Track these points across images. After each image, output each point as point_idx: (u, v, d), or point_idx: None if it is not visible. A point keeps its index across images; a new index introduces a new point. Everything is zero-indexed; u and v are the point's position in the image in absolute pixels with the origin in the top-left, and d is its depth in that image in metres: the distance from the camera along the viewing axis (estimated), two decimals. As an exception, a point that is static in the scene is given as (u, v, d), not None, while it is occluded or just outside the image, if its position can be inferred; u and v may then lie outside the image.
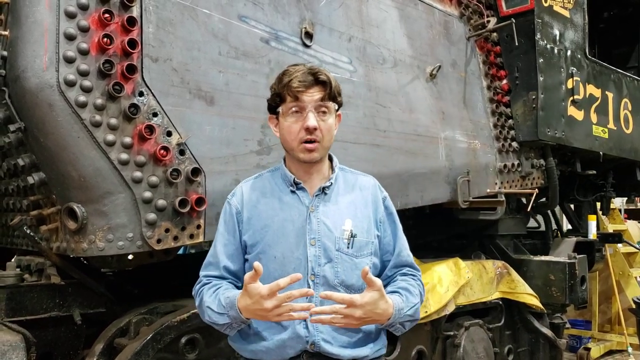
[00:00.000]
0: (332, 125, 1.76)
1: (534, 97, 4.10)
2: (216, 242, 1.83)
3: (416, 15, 3.58)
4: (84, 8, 2.11)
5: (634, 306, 5.37)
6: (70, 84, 2.06)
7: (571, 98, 4.41)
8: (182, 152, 2.34)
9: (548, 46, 4.21)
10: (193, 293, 1.83)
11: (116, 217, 2.19)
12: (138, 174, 2.21)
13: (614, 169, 5.56)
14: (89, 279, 2.57)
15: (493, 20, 4.00)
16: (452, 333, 3.66)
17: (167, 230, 2.30)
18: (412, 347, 3.46)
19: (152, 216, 2.24)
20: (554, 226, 5.51)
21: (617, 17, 6.32)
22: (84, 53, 2.10)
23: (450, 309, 3.53)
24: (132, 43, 2.20)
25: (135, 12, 2.24)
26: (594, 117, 4.71)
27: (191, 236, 2.38)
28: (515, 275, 4.07)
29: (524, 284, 4.06)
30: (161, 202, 2.27)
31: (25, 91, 2.05)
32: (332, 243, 1.73)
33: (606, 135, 4.87)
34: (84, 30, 2.11)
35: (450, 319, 3.69)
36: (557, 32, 4.32)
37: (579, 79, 4.50)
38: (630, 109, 5.31)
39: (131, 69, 2.19)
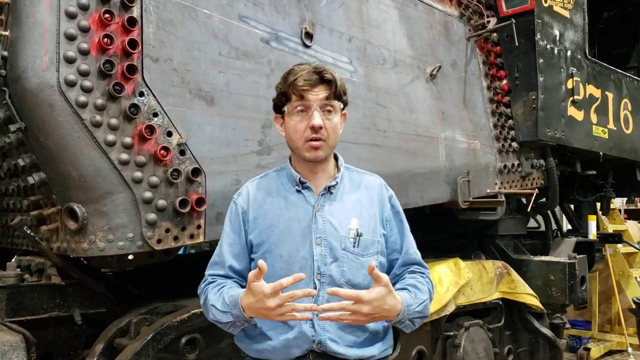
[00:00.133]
0: (338, 124, 1.76)
1: (534, 97, 4.11)
2: (222, 242, 1.83)
3: (416, 15, 3.58)
4: (84, 8, 2.11)
5: (634, 306, 5.38)
6: (71, 84, 2.06)
7: (571, 98, 4.41)
8: (182, 152, 2.34)
9: (548, 46, 4.21)
10: (198, 292, 1.83)
11: (116, 217, 2.20)
12: (138, 174, 2.21)
13: (614, 169, 5.56)
14: (89, 279, 2.57)
15: (493, 20, 4.00)
16: (452, 333, 3.66)
17: (167, 231, 2.30)
18: (412, 347, 3.46)
19: (152, 216, 2.24)
20: (554, 226, 5.51)
21: (617, 17, 6.32)
22: (84, 53, 2.10)
23: (450, 309, 3.53)
24: (133, 43, 2.20)
25: (135, 12, 2.24)
26: (594, 118, 4.71)
27: (191, 236, 2.38)
28: (515, 275, 4.07)
29: (524, 284, 4.06)
30: (161, 202, 2.27)
31: (25, 91, 2.05)
32: (338, 242, 1.73)
33: (606, 136, 4.87)
34: (85, 30, 2.11)
35: (450, 319, 3.69)
36: (557, 33, 4.32)
37: (579, 79, 4.50)
38: (630, 109, 5.31)
39: (131, 69, 2.19)
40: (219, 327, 2.55)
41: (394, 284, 1.75)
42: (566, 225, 6.76)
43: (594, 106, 4.73)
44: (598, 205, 5.94)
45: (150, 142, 2.24)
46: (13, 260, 2.81)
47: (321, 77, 1.70)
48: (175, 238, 2.33)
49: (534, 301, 4.05)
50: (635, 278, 6.42)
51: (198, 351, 2.53)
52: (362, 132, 3.06)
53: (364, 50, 3.17)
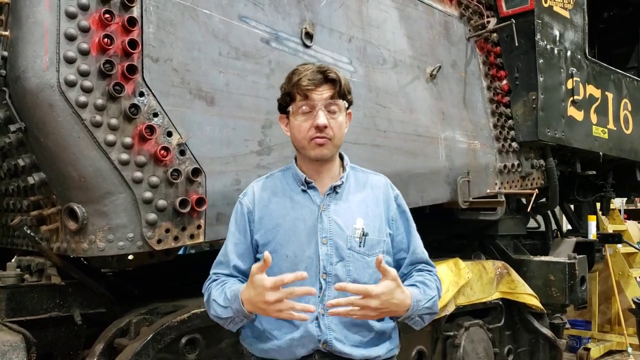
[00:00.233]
0: (343, 123, 1.75)
1: (534, 97, 4.11)
2: (227, 241, 1.83)
3: (416, 15, 3.58)
4: (84, 8, 2.11)
5: (633, 306, 5.38)
6: (71, 84, 2.06)
7: (571, 98, 4.41)
8: (182, 153, 2.34)
9: (548, 47, 4.21)
10: (202, 290, 1.83)
11: (116, 217, 2.20)
12: (138, 174, 2.21)
13: (613, 170, 5.56)
14: (89, 279, 2.57)
15: (493, 20, 4.00)
16: (452, 333, 3.66)
17: (167, 231, 2.30)
18: (412, 348, 3.46)
19: (152, 216, 2.24)
20: (554, 226, 5.50)
21: (617, 17, 6.32)
22: (84, 53, 2.10)
23: (450, 309, 3.53)
24: (133, 43, 2.20)
25: (135, 12, 2.24)
26: (593, 118, 4.71)
27: (191, 236, 2.38)
28: (515, 275, 4.07)
29: (524, 284, 4.06)
30: (161, 203, 2.27)
31: (25, 91, 2.05)
32: (344, 242, 1.73)
33: (606, 136, 4.87)
34: (85, 30, 2.11)
35: (450, 319, 3.69)
36: (557, 33, 4.32)
37: (578, 79, 4.50)
38: (630, 109, 5.31)
39: (132, 69, 2.19)
40: (219, 327, 2.55)
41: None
42: (566, 226, 6.76)
43: (593, 106, 4.73)
44: (598, 205, 5.94)
45: (151, 142, 2.24)
46: (13, 260, 2.80)
47: (325, 77, 1.70)
48: (176, 238, 2.33)
49: (534, 301, 4.05)
50: (635, 278, 6.42)
51: (198, 351, 2.53)
52: (362, 132, 3.06)
53: (364, 51, 3.17)
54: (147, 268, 2.70)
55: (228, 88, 2.52)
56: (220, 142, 2.47)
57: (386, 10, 3.36)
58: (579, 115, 4.52)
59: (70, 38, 2.07)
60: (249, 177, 2.55)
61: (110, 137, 2.14)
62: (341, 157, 1.87)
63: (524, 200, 4.55)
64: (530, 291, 4.05)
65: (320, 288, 1.69)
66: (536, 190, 4.15)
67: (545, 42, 4.17)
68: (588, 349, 5.98)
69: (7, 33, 2.11)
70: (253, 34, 2.64)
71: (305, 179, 1.78)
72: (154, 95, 2.26)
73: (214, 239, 2.49)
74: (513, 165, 4.17)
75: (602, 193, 5.64)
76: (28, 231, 2.37)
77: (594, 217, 5.34)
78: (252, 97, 2.60)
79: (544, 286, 4.16)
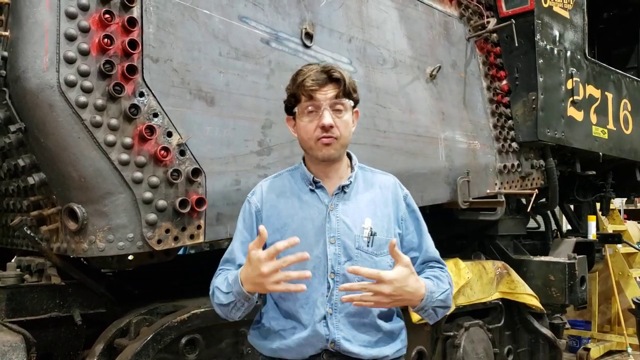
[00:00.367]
0: (349, 122, 1.75)
1: (533, 97, 4.11)
2: (234, 239, 1.83)
3: (416, 16, 3.58)
4: (84, 9, 2.11)
5: (633, 306, 5.38)
6: (71, 85, 2.06)
7: (571, 99, 4.41)
8: (182, 153, 2.34)
9: (548, 47, 4.21)
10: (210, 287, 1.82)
11: (116, 217, 2.20)
12: (138, 174, 2.21)
13: (613, 170, 5.56)
14: (89, 280, 2.57)
15: (493, 21, 4.00)
16: (452, 333, 3.66)
17: (167, 231, 2.30)
18: (412, 348, 3.46)
19: (152, 217, 2.24)
20: (554, 227, 5.51)
21: (617, 17, 6.33)
22: (84, 54, 2.10)
23: (450, 309, 3.53)
24: (133, 44, 2.20)
25: (135, 12, 2.24)
26: (593, 118, 4.72)
27: (191, 237, 2.38)
28: (515, 275, 4.07)
29: (524, 284, 4.06)
30: (161, 203, 2.27)
31: (25, 92, 2.05)
32: (352, 241, 1.72)
33: (606, 136, 4.87)
34: (85, 30, 2.11)
35: (450, 320, 3.69)
36: (556, 33, 4.32)
37: (578, 79, 4.50)
38: (629, 109, 5.31)
39: (132, 70, 2.19)
40: (219, 328, 2.55)
41: None
42: (566, 226, 6.77)
43: (593, 106, 4.73)
44: (598, 205, 5.94)
45: (151, 142, 2.24)
46: (13, 260, 2.80)
47: (329, 76, 1.70)
48: (176, 238, 2.33)
49: (533, 301, 4.05)
50: (635, 278, 6.42)
51: (198, 351, 2.53)
52: (362, 133, 3.06)
53: (364, 51, 3.17)
54: (147, 268, 2.70)
55: (228, 88, 2.52)
56: (220, 143, 2.47)
57: (386, 10, 3.37)
58: (578, 115, 4.52)
59: (70, 38, 2.07)
60: (248, 177, 2.55)
61: (110, 138, 2.14)
62: (350, 157, 1.86)
63: (523, 201, 4.55)
64: (530, 291, 4.05)
65: (328, 288, 1.69)
66: (536, 190, 4.15)
67: (545, 43, 4.18)
68: (588, 349, 5.99)
69: (7, 33, 2.11)
70: (253, 34, 2.64)
71: (313, 178, 1.78)
72: (154, 95, 2.26)
73: (214, 239, 2.49)
74: (513, 165, 4.17)
75: (602, 193, 5.64)
76: (28, 231, 2.37)
77: (594, 217, 5.34)
78: (252, 97, 2.60)
79: (544, 286, 4.16)
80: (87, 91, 2.09)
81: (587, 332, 6.48)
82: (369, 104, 3.13)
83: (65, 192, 2.21)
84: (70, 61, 2.06)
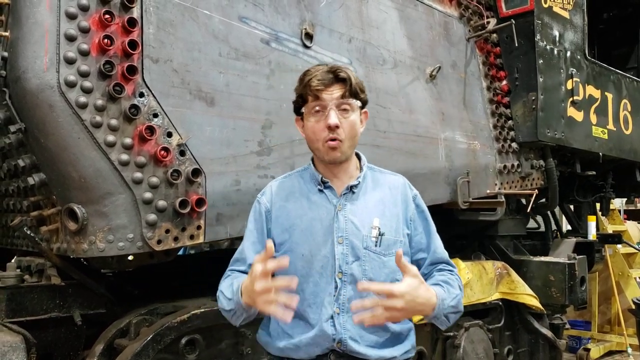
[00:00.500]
0: (356, 122, 1.74)
1: (533, 98, 4.11)
2: (245, 240, 1.83)
3: (416, 16, 3.58)
4: (84, 9, 2.11)
5: (633, 307, 5.38)
6: (71, 85, 2.06)
7: (571, 99, 4.41)
8: (182, 153, 2.34)
9: (548, 47, 4.21)
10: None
11: (116, 217, 2.20)
12: (138, 174, 2.21)
13: (613, 170, 5.57)
14: (89, 280, 2.57)
15: (493, 21, 4.01)
16: (451, 334, 3.66)
17: (167, 231, 2.30)
18: (412, 348, 3.46)
19: (152, 217, 2.24)
20: (554, 227, 5.51)
21: (617, 18, 6.33)
22: (84, 54, 2.10)
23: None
24: (133, 44, 2.20)
25: (135, 13, 2.24)
26: (593, 118, 4.72)
27: (191, 237, 2.38)
28: (515, 276, 4.07)
29: (524, 284, 4.06)
30: (161, 203, 2.27)
31: (25, 92, 2.05)
32: (360, 241, 1.72)
33: (606, 136, 4.87)
34: (85, 31, 2.11)
35: (450, 320, 3.69)
36: (556, 33, 4.32)
37: (578, 79, 4.50)
38: (629, 109, 5.31)
39: (132, 70, 2.19)
40: (219, 328, 2.55)
41: None
42: (566, 226, 6.77)
43: (593, 107, 4.73)
44: (598, 205, 5.94)
45: (151, 142, 2.24)
46: (13, 261, 2.80)
47: (336, 76, 1.69)
48: (175, 239, 2.33)
49: (533, 302, 4.05)
50: (635, 278, 6.42)
51: (198, 352, 2.53)
52: (362, 133, 3.03)
53: (364, 51, 3.17)
54: (147, 268, 2.70)
55: (228, 88, 2.52)
56: (220, 143, 2.47)
57: (386, 10, 3.37)
58: (578, 115, 4.52)
59: (71, 39, 2.07)
60: (248, 177, 2.55)
61: (110, 138, 2.14)
62: (359, 157, 1.86)
63: (523, 201, 4.55)
64: (530, 292, 4.05)
65: (336, 287, 1.69)
66: (536, 190, 4.15)
67: (545, 43, 4.18)
68: (588, 350, 5.98)
69: (7, 34, 2.11)
70: (253, 34, 2.64)
71: (321, 179, 1.78)
72: (154, 95, 2.26)
73: (214, 240, 2.49)
74: (513, 165, 4.17)
75: (602, 193, 5.64)
76: (28, 232, 2.37)
77: (594, 217, 5.33)
78: (252, 97, 2.60)
79: (544, 286, 4.16)
80: (87, 91, 2.09)
81: (587, 332, 6.48)
82: (369, 104, 3.12)
83: (65, 192, 2.21)
84: (70, 61, 2.06)
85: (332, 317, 1.68)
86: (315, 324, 1.69)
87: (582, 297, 4.17)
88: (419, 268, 1.83)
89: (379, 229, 1.73)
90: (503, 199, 3.96)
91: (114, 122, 2.15)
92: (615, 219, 6.89)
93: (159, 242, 2.28)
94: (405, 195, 1.85)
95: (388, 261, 1.72)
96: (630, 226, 7.34)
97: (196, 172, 2.37)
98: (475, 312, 3.88)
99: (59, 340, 2.56)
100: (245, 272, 1.77)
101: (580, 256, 4.25)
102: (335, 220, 1.73)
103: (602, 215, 6.16)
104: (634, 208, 11.55)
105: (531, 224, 5.21)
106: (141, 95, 2.23)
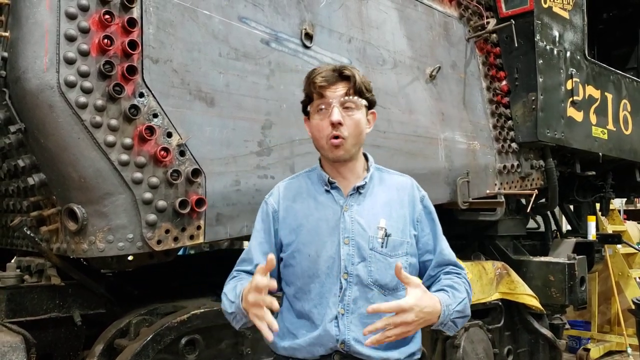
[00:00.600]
0: (360, 121, 1.73)
1: (533, 98, 4.11)
2: (252, 240, 1.83)
3: (416, 16, 3.58)
4: (84, 9, 2.11)
5: (633, 307, 5.38)
6: (71, 85, 2.06)
7: (570, 99, 4.41)
8: (182, 153, 2.34)
9: (547, 47, 4.21)
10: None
11: (116, 218, 2.20)
12: (138, 175, 2.21)
13: (613, 170, 5.57)
14: (89, 280, 2.57)
15: (493, 21, 4.01)
16: (451, 334, 3.66)
17: (167, 231, 2.30)
18: (412, 348, 3.46)
19: (152, 217, 2.24)
20: (554, 227, 5.51)
21: (617, 18, 6.33)
22: (84, 54, 2.10)
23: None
24: (133, 44, 2.20)
25: (135, 13, 2.24)
26: (593, 118, 4.72)
27: (191, 237, 2.38)
28: (514, 276, 4.07)
29: (524, 284, 4.06)
30: (161, 203, 2.27)
31: (25, 92, 2.05)
32: (366, 242, 1.71)
33: (605, 136, 4.87)
34: (85, 31, 2.11)
35: (450, 320, 3.69)
36: (556, 33, 4.33)
37: (578, 80, 4.51)
38: (629, 110, 5.31)
39: (131, 70, 2.19)
40: (219, 328, 2.55)
41: (429, 286, 1.74)
42: (566, 226, 6.77)
43: (593, 107, 4.73)
44: (597, 205, 5.94)
45: (150, 143, 2.24)
46: (13, 261, 2.80)
47: (340, 74, 1.69)
48: (175, 239, 2.33)
49: (533, 302, 4.05)
50: (635, 279, 6.42)
51: (198, 352, 2.53)
52: (362, 133, 3.06)
53: (364, 51, 3.17)
54: (147, 269, 2.70)
55: (228, 89, 2.52)
56: (220, 143, 2.47)
57: (386, 11, 3.37)
58: (578, 115, 4.52)
59: (70, 39, 2.07)
60: (248, 177, 2.55)
61: (110, 138, 2.14)
62: (366, 158, 1.86)
63: (523, 201, 4.55)
64: (530, 292, 4.05)
65: (341, 288, 1.69)
66: (536, 190, 4.15)
67: (544, 43, 4.18)
68: (588, 350, 5.99)
69: (7, 34, 2.11)
70: (253, 34, 2.64)
71: (328, 179, 1.78)
72: (153, 96, 2.26)
73: (214, 240, 2.49)
74: (513, 165, 4.17)
75: (602, 194, 5.65)
76: (28, 232, 2.37)
77: (594, 217, 5.34)
78: (251, 97, 2.60)
79: (544, 287, 4.16)
80: (87, 92, 2.09)
81: (587, 332, 6.49)
82: (368, 104, 3.13)
83: (65, 192, 2.21)
84: (70, 62, 2.06)
85: (336, 318, 1.67)
86: (320, 324, 1.68)
87: (581, 297, 4.17)
88: (426, 270, 1.84)
89: (386, 230, 1.72)
90: (503, 199, 3.96)
91: (113, 122, 2.15)
92: (615, 219, 6.89)
93: (158, 242, 2.28)
94: (413, 196, 1.85)
95: (394, 262, 1.70)
96: (630, 226, 7.35)
97: (196, 173, 2.37)
98: (475, 312, 3.88)
99: (58, 340, 2.56)
100: (251, 273, 1.77)
101: (580, 256, 4.25)
102: (342, 220, 1.73)
103: (602, 215, 6.16)
104: (633, 208, 11.56)
105: (531, 224, 5.22)
106: (141, 95, 2.23)
